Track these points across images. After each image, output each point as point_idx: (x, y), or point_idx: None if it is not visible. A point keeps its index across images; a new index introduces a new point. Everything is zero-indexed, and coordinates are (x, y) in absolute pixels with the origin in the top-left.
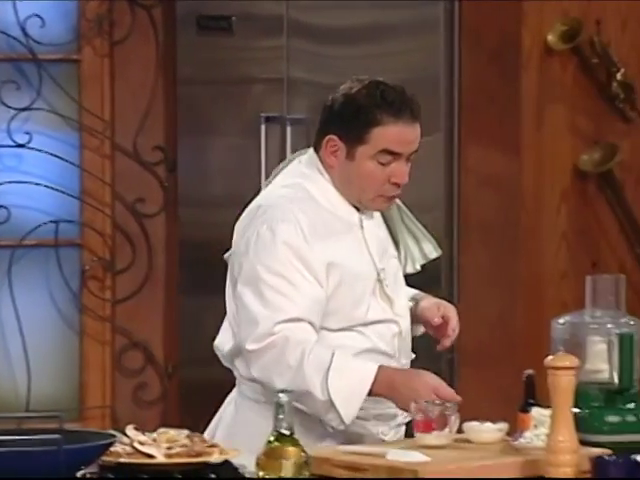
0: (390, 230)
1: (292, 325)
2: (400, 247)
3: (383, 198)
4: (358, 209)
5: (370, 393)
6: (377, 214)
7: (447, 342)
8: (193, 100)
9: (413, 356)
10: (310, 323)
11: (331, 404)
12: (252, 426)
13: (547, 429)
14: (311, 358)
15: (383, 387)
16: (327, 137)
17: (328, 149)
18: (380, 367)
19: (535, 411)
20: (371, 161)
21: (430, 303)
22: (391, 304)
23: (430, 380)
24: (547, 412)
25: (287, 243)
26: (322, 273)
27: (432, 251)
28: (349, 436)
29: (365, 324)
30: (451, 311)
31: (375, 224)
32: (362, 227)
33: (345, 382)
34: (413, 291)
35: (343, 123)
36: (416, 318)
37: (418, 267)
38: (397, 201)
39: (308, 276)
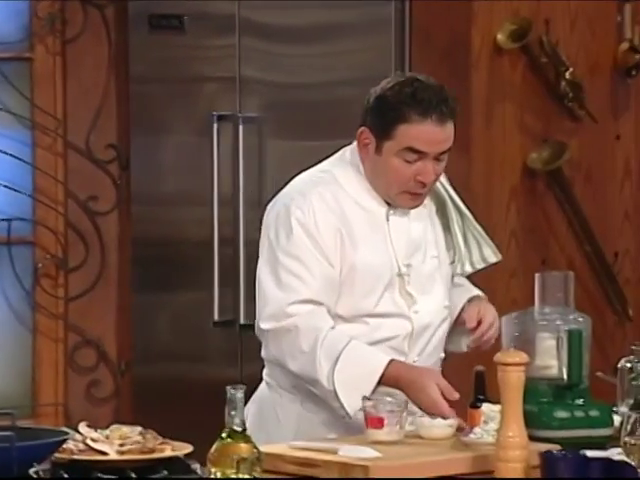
0: (447, 232)
1: (305, 307)
2: (456, 249)
3: (409, 195)
4: (389, 204)
5: (380, 384)
6: (421, 212)
7: (474, 343)
8: (146, 98)
9: (442, 355)
10: (323, 305)
11: (335, 394)
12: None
13: (497, 425)
14: (324, 345)
15: (391, 382)
16: (360, 129)
17: (361, 142)
18: (391, 361)
19: (485, 407)
20: (396, 157)
21: (474, 305)
22: (412, 301)
23: (432, 396)
24: (497, 408)
25: (301, 223)
26: (334, 254)
27: (491, 255)
28: (351, 426)
29: (373, 315)
30: (488, 314)
31: (409, 221)
32: (388, 220)
33: (352, 374)
34: (474, 292)
35: (374, 117)
36: (460, 319)
37: (469, 269)
38: (460, 205)
39: (320, 257)
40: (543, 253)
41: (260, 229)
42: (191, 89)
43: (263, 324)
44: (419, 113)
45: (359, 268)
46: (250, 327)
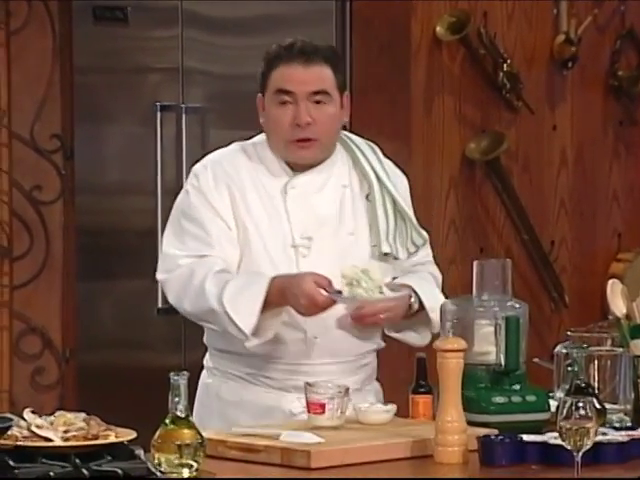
0: (373, 213)
1: (199, 259)
2: (378, 230)
3: (294, 144)
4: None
5: (267, 303)
6: (335, 188)
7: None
8: (90, 89)
9: (380, 343)
10: (220, 257)
11: (228, 316)
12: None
13: (366, 284)
14: (215, 276)
15: (275, 295)
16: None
17: (259, 109)
18: (275, 276)
19: (348, 269)
20: (273, 106)
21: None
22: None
23: (307, 287)
24: (361, 269)
25: (197, 188)
26: (229, 216)
27: (418, 238)
28: (261, 410)
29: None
30: (380, 303)
31: (314, 194)
32: (286, 193)
33: (240, 293)
34: (409, 281)
35: (259, 79)
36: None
37: (393, 251)
38: (391, 189)
39: (215, 218)
40: (481, 241)
41: None
42: (135, 80)
43: (159, 275)
44: (285, 56)
45: (251, 231)
46: None
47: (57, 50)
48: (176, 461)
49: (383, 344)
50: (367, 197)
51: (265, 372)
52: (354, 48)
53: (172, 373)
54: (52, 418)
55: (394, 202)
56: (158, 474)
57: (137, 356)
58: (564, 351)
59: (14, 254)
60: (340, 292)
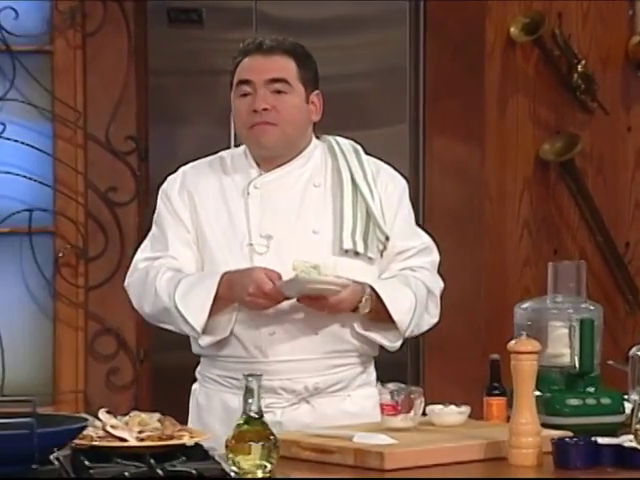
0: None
1: (154, 260)
2: (343, 226)
3: (252, 130)
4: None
5: (217, 298)
6: (301, 185)
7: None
8: (164, 90)
9: (354, 343)
10: (173, 258)
11: (180, 313)
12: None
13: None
14: (167, 275)
15: (225, 288)
16: None
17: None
18: (226, 272)
19: (299, 262)
20: (236, 98)
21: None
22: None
23: (255, 276)
24: (308, 261)
25: (163, 194)
26: (188, 219)
27: (381, 235)
28: (228, 412)
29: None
30: (321, 285)
31: (277, 192)
32: (248, 193)
33: (191, 289)
34: (370, 281)
35: (230, 79)
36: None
37: (348, 245)
38: (365, 195)
39: (175, 222)
40: (555, 243)
41: None
42: (209, 81)
43: (125, 283)
44: (247, 50)
45: (209, 235)
46: None
47: (132, 52)
48: (250, 462)
49: (368, 348)
50: (338, 192)
51: (230, 373)
52: (427, 49)
53: (246, 374)
54: (127, 418)
55: (365, 203)
56: (232, 474)
57: None
58: (639, 353)
59: (89, 255)
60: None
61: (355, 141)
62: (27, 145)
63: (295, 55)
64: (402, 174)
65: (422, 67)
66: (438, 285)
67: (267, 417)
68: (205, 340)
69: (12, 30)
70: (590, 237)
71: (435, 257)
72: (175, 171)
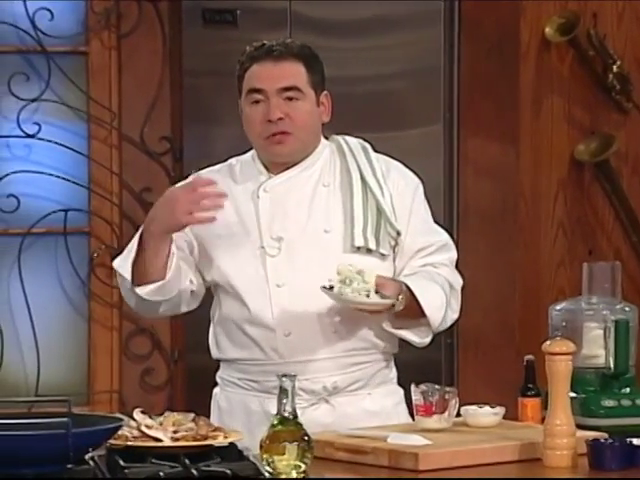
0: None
1: None
2: (354, 223)
3: (268, 141)
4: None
5: (143, 240)
6: (310, 186)
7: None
8: (199, 91)
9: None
10: None
11: (117, 272)
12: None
13: (358, 285)
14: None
15: (147, 224)
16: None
17: (240, 114)
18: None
19: (343, 266)
20: (247, 106)
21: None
22: (277, 275)
23: (172, 188)
24: (353, 266)
25: None
26: (189, 232)
27: (392, 232)
28: (248, 415)
29: (235, 287)
30: (362, 306)
31: (286, 194)
32: (258, 196)
33: (125, 251)
34: (405, 278)
35: (237, 84)
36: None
37: (360, 242)
38: (375, 192)
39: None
40: (590, 244)
41: None
42: None
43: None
44: (256, 56)
45: (216, 242)
46: None
47: (167, 53)
48: (284, 462)
49: (387, 345)
50: (348, 191)
51: (249, 375)
52: (462, 49)
53: (280, 375)
54: (161, 418)
55: (375, 200)
56: (266, 475)
57: None
58: None
59: None
60: (332, 288)
61: (390, 141)
62: (62, 146)
63: (304, 59)
64: (436, 174)
65: (456, 67)
66: (458, 281)
67: None
68: (143, 290)
69: (47, 31)
70: (625, 238)
71: (454, 254)
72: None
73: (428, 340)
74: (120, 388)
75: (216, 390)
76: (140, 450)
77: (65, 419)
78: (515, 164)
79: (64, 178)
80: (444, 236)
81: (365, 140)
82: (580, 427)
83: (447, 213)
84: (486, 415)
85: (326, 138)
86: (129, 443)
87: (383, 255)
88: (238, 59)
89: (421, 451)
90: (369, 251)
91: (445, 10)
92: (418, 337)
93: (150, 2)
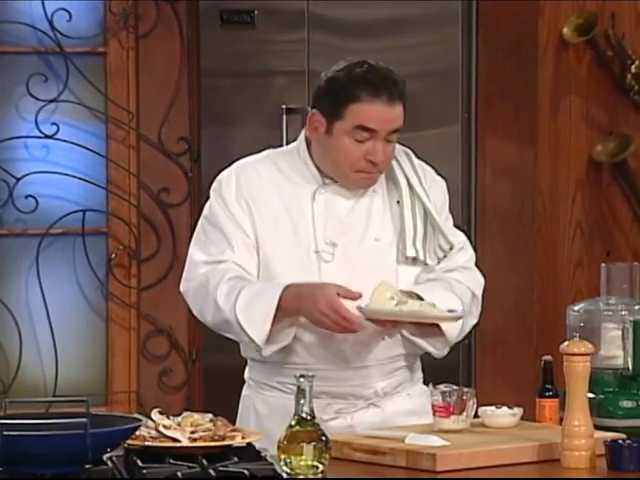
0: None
1: (216, 265)
2: (406, 233)
3: (362, 175)
4: (325, 182)
5: (280, 310)
6: (364, 193)
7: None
8: (216, 92)
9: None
10: (236, 263)
11: (240, 325)
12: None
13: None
14: (228, 285)
15: (290, 300)
16: (311, 112)
17: (311, 124)
18: (289, 284)
19: (385, 284)
20: (347, 137)
21: None
22: (330, 279)
23: (327, 292)
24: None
25: (222, 197)
26: (246, 224)
27: (445, 243)
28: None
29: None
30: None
31: (341, 200)
32: (314, 199)
33: (252, 303)
34: (419, 290)
35: (325, 99)
36: None
37: (412, 253)
38: (424, 200)
39: (235, 226)
40: (608, 244)
41: None
42: (261, 83)
43: (181, 287)
44: (369, 92)
45: (269, 240)
46: None
47: (185, 53)
48: (302, 462)
49: (419, 349)
50: (397, 202)
51: (294, 380)
52: (480, 50)
53: (298, 375)
54: (179, 419)
55: (424, 208)
56: (284, 475)
57: None
58: None
59: (142, 256)
60: (362, 308)
61: (408, 142)
62: (80, 146)
63: (405, 99)
64: (454, 175)
65: (474, 68)
66: (479, 284)
67: (338, 422)
68: (267, 350)
69: (65, 32)
70: None
71: (472, 253)
72: (224, 168)
73: (445, 352)
74: (138, 388)
75: (246, 392)
76: (158, 450)
77: (83, 419)
78: (533, 164)
79: (82, 179)
80: (462, 237)
81: None
82: (598, 428)
83: (465, 213)
84: (504, 416)
85: None
86: (147, 443)
87: (427, 265)
88: (337, 73)
89: (439, 452)
90: (414, 260)
91: (463, 10)
92: (434, 348)
93: (168, 3)
